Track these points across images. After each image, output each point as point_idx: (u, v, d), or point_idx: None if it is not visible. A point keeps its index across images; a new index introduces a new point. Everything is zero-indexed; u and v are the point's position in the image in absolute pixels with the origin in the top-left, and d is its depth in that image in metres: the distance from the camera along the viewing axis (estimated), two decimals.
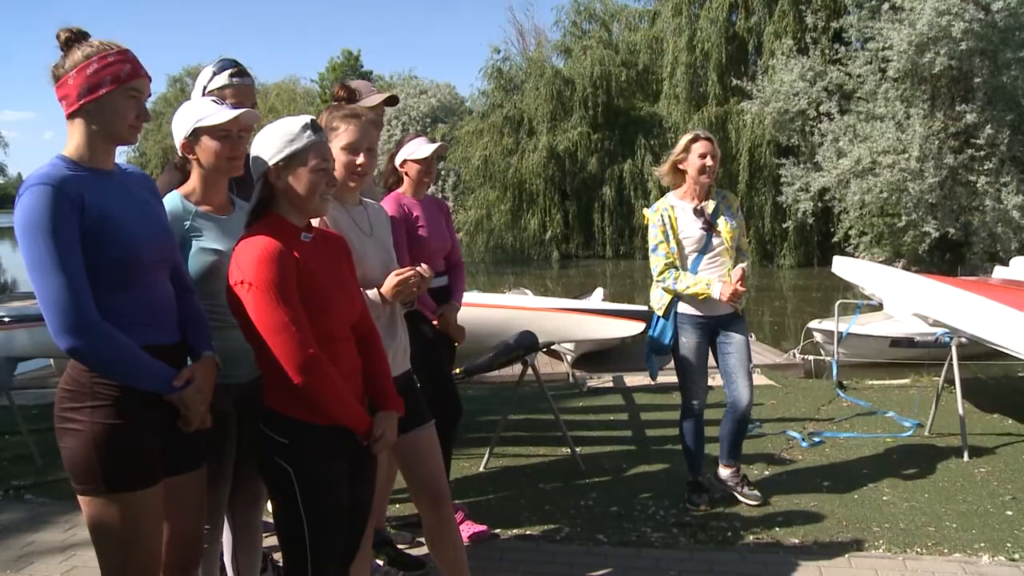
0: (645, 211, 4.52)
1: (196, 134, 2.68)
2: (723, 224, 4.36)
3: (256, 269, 2.23)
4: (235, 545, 2.99)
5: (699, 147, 4.31)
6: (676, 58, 27.40)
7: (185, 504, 2.49)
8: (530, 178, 28.98)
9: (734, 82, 24.68)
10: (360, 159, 2.87)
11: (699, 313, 4.37)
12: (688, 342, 4.40)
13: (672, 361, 4.54)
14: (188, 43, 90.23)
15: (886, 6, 20.40)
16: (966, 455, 5.20)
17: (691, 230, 4.35)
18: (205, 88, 3.33)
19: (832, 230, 23.61)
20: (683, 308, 4.40)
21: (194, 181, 2.74)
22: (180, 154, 2.76)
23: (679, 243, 4.35)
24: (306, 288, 2.31)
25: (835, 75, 22.62)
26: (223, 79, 3.32)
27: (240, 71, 3.38)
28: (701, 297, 4.27)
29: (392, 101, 3.95)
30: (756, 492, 4.55)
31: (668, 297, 4.40)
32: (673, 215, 4.36)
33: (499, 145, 29.77)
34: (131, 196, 2.36)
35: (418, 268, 2.89)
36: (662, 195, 4.57)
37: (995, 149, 20.15)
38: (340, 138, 2.84)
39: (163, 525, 2.40)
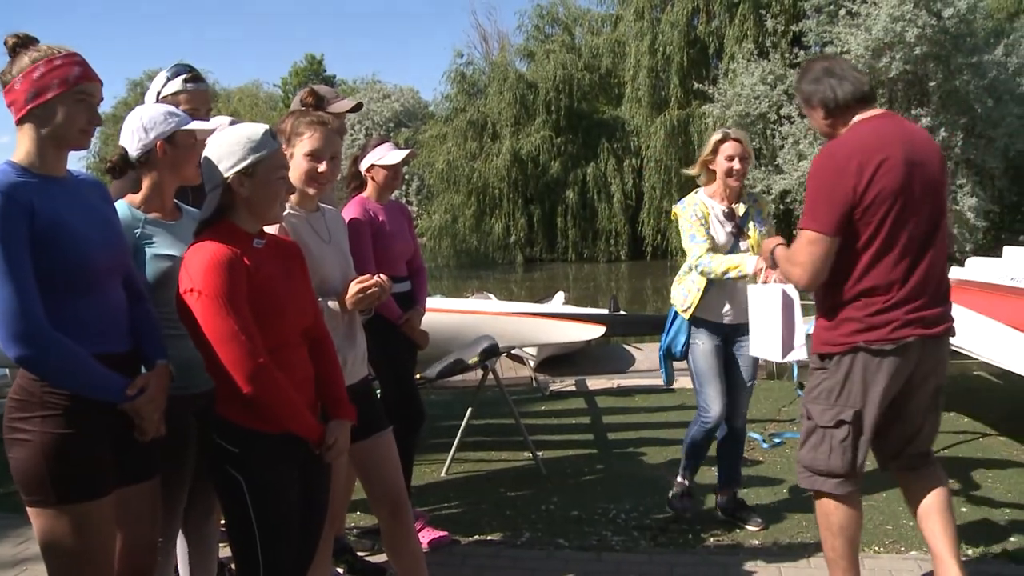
0: (675, 207, 4.25)
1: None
2: (752, 230, 4.13)
3: (204, 277, 2.21)
4: (190, 556, 2.95)
5: (727, 148, 4.07)
6: (638, 62, 27.50)
7: (139, 514, 2.45)
8: (494, 182, 28.96)
9: (696, 85, 24.85)
10: (322, 167, 2.84)
11: (717, 320, 4.12)
12: (704, 346, 4.13)
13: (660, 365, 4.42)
14: (149, 47, 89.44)
15: (843, 11, 20.71)
16: None
17: (719, 232, 4.11)
18: (159, 93, 3.29)
19: (793, 232, 23.77)
20: (701, 312, 4.12)
21: (146, 188, 2.68)
22: (133, 157, 2.68)
23: (712, 240, 4.07)
24: (257, 295, 2.29)
25: (795, 78, 22.87)
26: (177, 84, 3.29)
27: (195, 76, 3.35)
28: (735, 274, 3.91)
29: (357, 108, 3.98)
30: (758, 517, 4.31)
31: (694, 298, 4.10)
32: (706, 211, 4.12)
33: (463, 149, 29.71)
34: (83, 202, 2.33)
35: (378, 277, 2.88)
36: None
37: (950, 152, 20.48)
38: (304, 144, 2.81)
39: (116, 536, 2.36)
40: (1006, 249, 7.66)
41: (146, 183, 2.69)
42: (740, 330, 4.08)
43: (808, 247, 2.97)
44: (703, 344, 4.13)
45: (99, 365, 2.24)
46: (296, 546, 2.42)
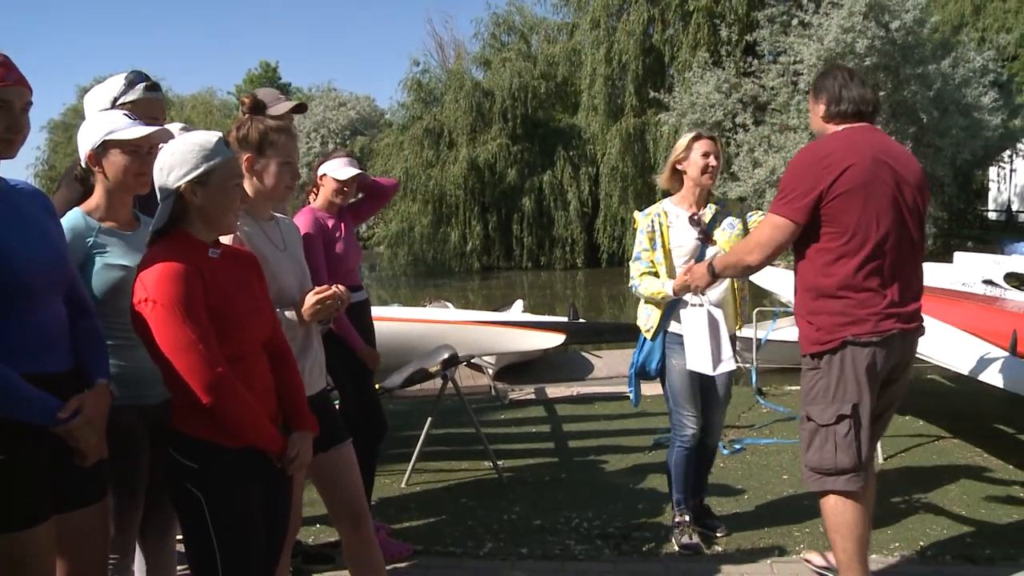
0: (636, 214, 4.16)
1: (105, 147, 2.56)
2: (720, 234, 3.98)
3: (159, 286, 2.14)
4: (148, 573, 2.87)
5: (701, 146, 3.95)
6: (594, 70, 27.67)
7: (87, 538, 2.34)
8: (451, 190, 28.92)
9: (651, 94, 25.05)
10: (294, 174, 2.86)
11: None
12: (680, 364, 3.94)
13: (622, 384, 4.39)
14: (100, 53, 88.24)
15: (795, 22, 21.06)
16: (880, 457, 5.31)
17: (684, 239, 3.97)
18: (116, 100, 3.20)
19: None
20: (673, 328, 3.96)
21: (98, 196, 2.62)
22: (84, 166, 2.64)
23: (668, 252, 3.96)
24: (215, 305, 2.23)
25: (749, 87, 23.18)
26: (137, 93, 3.21)
27: (152, 85, 3.28)
28: (660, 299, 3.89)
29: (300, 109, 3.92)
30: (721, 524, 4.26)
31: (656, 317, 3.99)
32: (665, 222, 3.99)
33: (419, 157, 29.61)
34: (16, 214, 2.22)
35: (335, 288, 2.84)
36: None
37: None
38: (281, 153, 2.80)
39: (56, 563, 2.25)
40: (957, 255, 7.82)
41: (97, 191, 2.63)
42: None
43: (772, 230, 3.22)
44: (679, 362, 3.97)
45: (28, 386, 2.10)
46: (258, 565, 2.36)
